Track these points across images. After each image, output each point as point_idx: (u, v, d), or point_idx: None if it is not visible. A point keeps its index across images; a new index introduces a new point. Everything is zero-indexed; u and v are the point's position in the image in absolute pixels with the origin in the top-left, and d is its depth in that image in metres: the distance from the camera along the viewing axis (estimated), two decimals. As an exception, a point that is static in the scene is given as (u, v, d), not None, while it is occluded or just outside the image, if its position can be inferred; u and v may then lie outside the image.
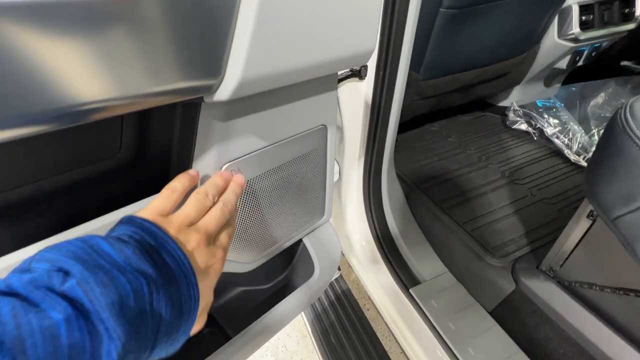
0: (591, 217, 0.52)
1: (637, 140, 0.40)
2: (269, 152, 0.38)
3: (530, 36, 0.96)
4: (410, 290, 0.71)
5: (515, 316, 0.64)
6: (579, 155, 0.96)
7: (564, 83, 1.27)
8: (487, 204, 0.83)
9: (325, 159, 0.47)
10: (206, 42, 0.23)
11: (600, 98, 1.12)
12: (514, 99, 1.20)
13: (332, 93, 0.41)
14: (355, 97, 0.66)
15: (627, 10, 1.04)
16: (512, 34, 0.88)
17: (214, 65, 0.24)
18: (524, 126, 1.08)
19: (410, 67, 0.81)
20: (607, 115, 1.03)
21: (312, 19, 0.27)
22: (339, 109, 0.73)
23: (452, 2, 0.69)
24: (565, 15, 0.96)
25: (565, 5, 0.94)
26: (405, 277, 0.75)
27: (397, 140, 1.07)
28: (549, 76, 1.19)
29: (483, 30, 0.81)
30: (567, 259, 0.58)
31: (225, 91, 0.26)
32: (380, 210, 0.80)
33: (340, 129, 0.76)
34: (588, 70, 1.27)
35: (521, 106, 1.13)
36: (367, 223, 0.81)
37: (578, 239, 0.55)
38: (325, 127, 0.44)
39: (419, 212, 0.85)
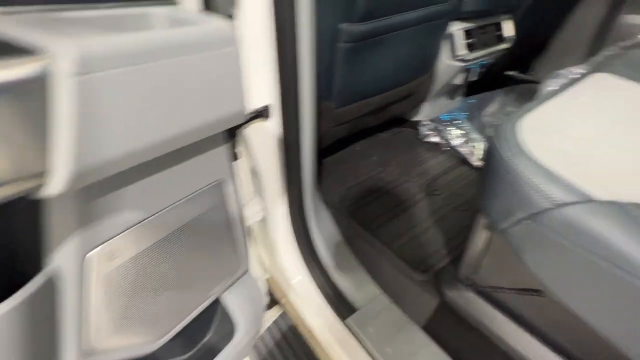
0: (488, 228, 0.58)
1: (505, 161, 0.45)
2: (153, 223, 0.35)
3: (427, 60, 1.06)
4: (347, 321, 0.71)
5: (444, 329, 0.67)
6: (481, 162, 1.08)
7: (466, 95, 1.43)
8: (410, 219, 0.87)
9: (227, 212, 0.44)
10: (19, 140, 0.20)
11: (492, 107, 1.28)
12: (424, 114, 1.31)
13: (220, 149, 0.39)
14: (265, 135, 0.65)
15: (499, 33, 1.22)
16: (410, 59, 0.97)
17: (32, 161, 0.21)
18: (435, 139, 1.18)
19: (323, 97, 0.83)
20: (498, 122, 1.17)
21: (149, 99, 0.25)
22: (251, 149, 0.71)
23: (347, 38, 0.73)
24: (452, 40, 1.09)
25: (449, 32, 1.07)
26: (342, 307, 0.74)
27: (322, 165, 1.09)
28: (450, 91, 1.32)
29: (383, 58, 0.87)
30: (478, 266, 0.63)
31: (56, 185, 0.22)
32: (310, 243, 0.79)
33: (255, 168, 0.74)
34: (483, 82, 1.45)
35: (431, 120, 1.23)
36: (299, 257, 0.80)
37: (483, 247, 0.60)
38: (220, 183, 0.42)
39: (349, 237, 0.86)
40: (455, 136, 1.12)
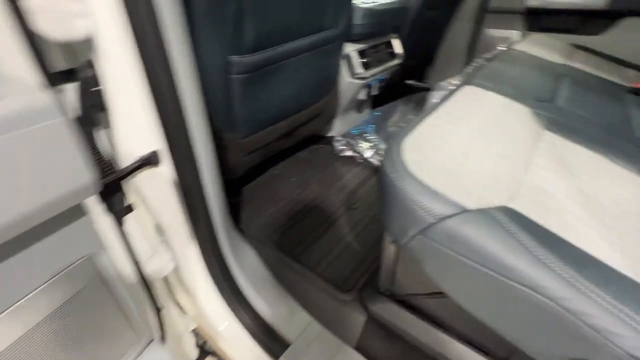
0: (393, 243, 0.61)
1: (393, 182, 0.48)
2: (17, 312, 0.28)
3: (328, 80, 1.10)
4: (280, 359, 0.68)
5: (375, 344, 0.69)
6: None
7: (373, 108, 1.54)
8: (332, 238, 0.88)
9: (108, 286, 0.38)
10: None
11: (395, 117, 1.39)
12: (337, 130, 1.36)
13: (82, 221, 0.34)
14: (158, 182, 0.60)
15: (390, 51, 1.34)
16: (311, 81, 1.00)
17: None
18: (349, 152, 1.23)
19: (226, 129, 0.80)
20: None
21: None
22: (146, 198, 0.65)
23: (240, 69, 0.72)
24: (349, 60, 1.16)
25: (346, 52, 1.14)
26: (274, 345, 0.71)
27: (240, 195, 1.05)
28: (357, 106, 1.41)
29: (283, 84, 0.88)
30: (394, 276, 0.66)
31: None
32: (232, 283, 0.74)
33: (155, 217, 0.67)
34: (386, 94, 1.58)
35: (343, 135, 1.29)
36: (222, 301, 0.74)
37: (394, 258, 0.63)
38: (90, 257, 0.36)
39: (275, 267, 0.83)
40: (366, 148, 1.18)
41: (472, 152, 0.54)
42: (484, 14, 1.71)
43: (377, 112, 1.42)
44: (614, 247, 0.43)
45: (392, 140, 0.57)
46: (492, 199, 0.46)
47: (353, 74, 1.17)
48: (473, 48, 1.81)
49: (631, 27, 1.41)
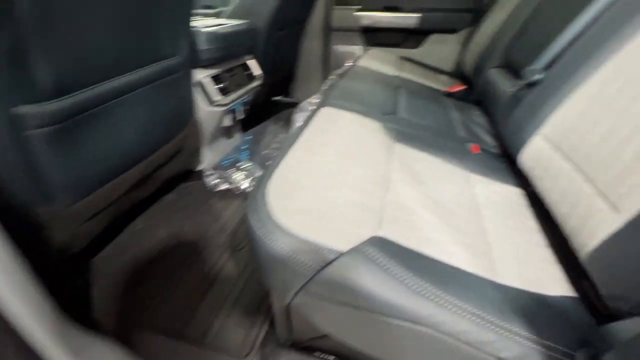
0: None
1: (263, 240, 0.43)
2: None
3: (182, 113, 0.98)
4: None
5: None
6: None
7: (244, 131, 1.46)
8: (219, 294, 0.77)
9: None
10: None
11: (268, 138, 1.36)
12: (207, 162, 1.24)
13: None
14: None
15: (248, 73, 1.30)
16: (157, 118, 0.85)
17: None
18: (224, 186, 1.13)
19: (39, 200, 0.59)
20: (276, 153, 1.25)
21: None
22: None
23: (40, 122, 0.54)
24: (204, 88, 1.05)
25: (198, 80, 1.03)
26: None
27: (90, 270, 0.82)
28: (225, 133, 1.31)
29: (117, 128, 0.71)
30: (290, 325, 0.61)
31: None
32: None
33: None
34: (256, 115, 1.53)
35: (215, 167, 1.17)
36: None
37: (285, 311, 0.58)
38: None
39: (151, 355, 0.67)
40: (241, 179, 1.10)
41: (337, 183, 0.54)
42: (329, 32, 1.86)
43: (249, 136, 1.36)
44: (463, 247, 0.49)
45: (255, 186, 0.51)
46: (362, 231, 0.46)
47: (211, 102, 1.07)
48: (327, 63, 1.95)
49: (436, 41, 1.77)
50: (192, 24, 1.04)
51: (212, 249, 0.90)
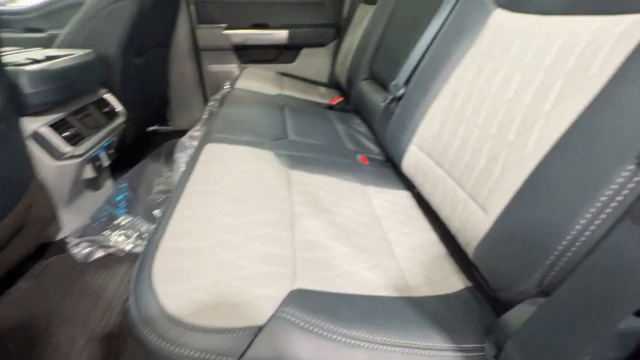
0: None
1: (156, 349, 0.34)
2: None
3: (14, 179, 0.74)
4: None
5: None
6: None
7: (115, 179, 1.22)
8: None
9: None
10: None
11: (148, 182, 1.17)
12: (71, 227, 0.99)
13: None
14: None
15: (108, 109, 1.09)
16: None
17: None
18: (100, 253, 0.91)
19: None
20: (162, 197, 1.10)
21: None
22: None
23: None
24: (43, 140, 0.83)
25: (31, 132, 0.81)
26: None
27: None
28: (89, 186, 1.07)
29: None
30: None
31: None
32: None
33: None
34: (129, 155, 1.30)
35: (82, 233, 0.94)
36: None
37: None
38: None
39: None
40: (122, 240, 0.92)
41: (239, 240, 0.48)
42: (198, 52, 1.74)
43: (122, 183, 1.15)
44: (377, 271, 0.50)
45: (137, 271, 0.41)
46: (277, 289, 0.42)
47: (57, 156, 0.85)
48: (203, 84, 1.82)
49: (308, 55, 1.85)
50: (9, 58, 0.81)
51: (97, 345, 0.71)
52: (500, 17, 0.60)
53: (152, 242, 0.45)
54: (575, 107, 0.38)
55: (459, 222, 0.52)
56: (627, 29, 0.36)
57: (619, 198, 0.30)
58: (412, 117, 0.71)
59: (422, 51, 0.78)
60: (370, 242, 0.56)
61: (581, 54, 0.40)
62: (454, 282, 0.53)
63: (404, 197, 0.76)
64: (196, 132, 1.10)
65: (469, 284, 0.54)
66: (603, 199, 0.31)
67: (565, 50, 0.43)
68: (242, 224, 0.52)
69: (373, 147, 1.01)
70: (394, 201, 0.73)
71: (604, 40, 0.38)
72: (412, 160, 0.70)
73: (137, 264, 0.44)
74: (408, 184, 0.80)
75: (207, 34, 1.69)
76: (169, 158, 1.36)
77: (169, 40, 1.59)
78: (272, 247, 0.48)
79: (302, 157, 0.81)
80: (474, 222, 0.48)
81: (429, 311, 0.45)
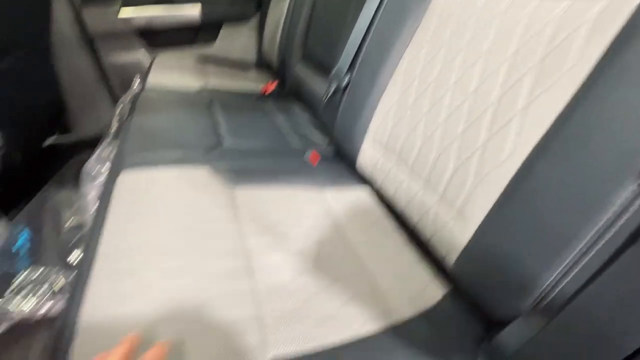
0: None
1: None
2: None
3: None
4: None
5: None
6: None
7: (10, 215, 0.96)
8: None
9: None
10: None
11: (57, 219, 0.95)
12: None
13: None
14: None
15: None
16: None
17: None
18: (4, 325, 0.72)
19: None
20: (78, 236, 0.89)
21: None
22: None
23: None
24: None
25: None
26: None
27: None
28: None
29: None
30: None
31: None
32: None
33: None
34: (16, 185, 1.03)
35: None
36: None
37: None
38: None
39: None
40: (30, 303, 0.72)
41: (185, 308, 0.38)
42: (92, 41, 1.42)
43: (19, 227, 0.90)
44: (356, 303, 0.44)
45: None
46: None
47: None
48: (106, 79, 1.51)
49: (230, 33, 1.63)
50: None
51: None
52: (446, -7, 0.53)
53: (67, 317, 0.33)
54: (552, 107, 0.34)
55: (431, 232, 0.48)
56: (604, 12, 0.32)
57: (619, 222, 0.27)
58: (362, 110, 0.64)
59: (363, 31, 0.69)
60: (340, 267, 0.50)
61: (550, 41, 0.36)
62: (433, 291, 0.50)
63: (364, 194, 0.71)
64: (105, 150, 0.90)
65: (447, 290, 0.51)
66: (601, 222, 0.28)
67: (530, 36, 0.38)
68: (185, 282, 0.41)
69: (320, 137, 0.93)
70: (355, 202, 0.67)
71: (577, 25, 0.34)
72: (369, 160, 0.64)
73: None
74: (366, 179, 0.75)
75: (97, 16, 1.37)
76: (76, 178, 1.12)
77: (45, 32, 1.26)
78: (232, 309, 0.39)
79: (245, 168, 0.69)
80: (450, 232, 0.44)
81: (417, 339, 0.41)
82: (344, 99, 0.70)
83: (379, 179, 0.61)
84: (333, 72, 0.73)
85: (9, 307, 0.70)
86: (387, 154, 0.59)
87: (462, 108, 0.45)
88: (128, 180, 0.59)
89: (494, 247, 0.38)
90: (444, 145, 0.47)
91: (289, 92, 1.20)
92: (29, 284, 0.75)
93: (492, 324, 0.41)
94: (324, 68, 0.91)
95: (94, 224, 0.49)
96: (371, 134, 0.62)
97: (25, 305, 0.71)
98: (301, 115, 1.05)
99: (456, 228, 0.43)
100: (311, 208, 0.62)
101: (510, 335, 0.37)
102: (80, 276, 0.40)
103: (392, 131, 0.57)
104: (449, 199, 0.45)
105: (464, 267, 0.42)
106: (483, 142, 0.41)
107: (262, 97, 1.17)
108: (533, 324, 0.35)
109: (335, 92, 0.73)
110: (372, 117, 0.62)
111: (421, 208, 0.50)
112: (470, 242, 0.41)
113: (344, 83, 0.69)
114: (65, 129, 1.53)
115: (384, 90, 0.60)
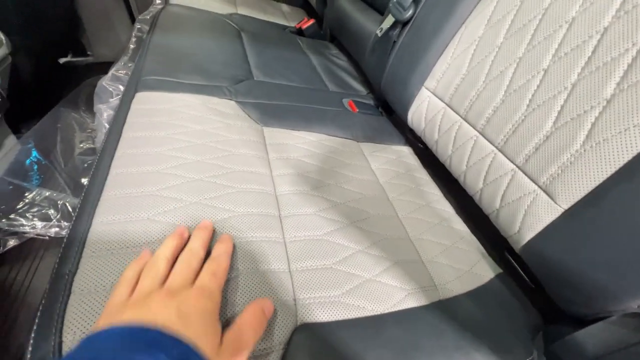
0: None
1: None
2: None
3: None
4: None
5: None
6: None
7: (18, 132, 0.91)
8: None
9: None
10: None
11: (69, 140, 0.89)
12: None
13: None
14: None
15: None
16: None
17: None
18: (13, 241, 0.69)
19: None
20: (90, 160, 0.84)
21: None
22: None
23: None
24: None
25: None
26: None
27: None
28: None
29: None
30: None
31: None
32: None
33: None
34: (33, 102, 0.97)
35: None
36: None
37: None
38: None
39: None
40: (42, 221, 0.69)
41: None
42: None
43: (28, 144, 0.85)
44: (402, 274, 0.38)
45: (42, 312, 0.25)
46: (279, 327, 0.28)
47: None
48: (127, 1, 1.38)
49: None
50: None
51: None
52: None
53: (75, 237, 0.29)
54: None
55: (501, 202, 0.40)
56: None
57: None
58: (426, 50, 0.52)
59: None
60: (381, 227, 0.43)
61: None
62: (483, 269, 0.44)
63: (406, 155, 0.62)
64: (121, 70, 0.81)
65: (499, 270, 0.45)
66: None
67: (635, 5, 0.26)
68: (200, 215, 0.35)
69: (359, 86, 0.82)
70: (397, 162, 0.59)
71: None
72: (424, 109, 0.54)
73: (41, 301, 0.28)
74: (409, 138, 0.66)
75: None
76: (89, 101, 1.05)
77: None
78: (263, 246, 0.33)
79: (276, 107, 0.61)
80: (530, 207, 0.36)
81: (465, 318, 0.36)
82: (403, 37, 0.58)
83: (435, 132, 0.52)
84: (392, 3, 0.60)
85: (19, 223, 0.67)
86: (451, 105, 0.49)
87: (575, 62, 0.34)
88: (143, 102, 0.51)
89: (588, 236, 0.30)
90: (534, 105, 0.37)
91: (327, 30, 1.06)
92: (40, 202, 0.71)
93: (552, 315, 0.35)
94: (375, 2, 0.78)
95: (106, 145, 0.43)
96: (433, 80, 0.52)
97: (35, 222, 0.68)
98: (338, 59, 0.93)
99: (539, 204, 0.35)
100: (350, 161, 0.54)
101: (592, 337, 0.30)
102: (89, 197, 0.35)
103: (464, 79, 0.47)
104: (532, 171, 0.36)
105: (543, 247, 0.35)
106: (591, 120, 0.31)
107: (297, 32, 1.04)
108: (629, 334, 0.28)
109: (391, 28, 0.61)
110: (437, 59, 0.51)
111: (491, 174, 0.42)
112: (556, 222, 0.33)
113: (405, 17, 0.57)
114: (81, 51, 1.44)
115: (459, 27, 0.49)
